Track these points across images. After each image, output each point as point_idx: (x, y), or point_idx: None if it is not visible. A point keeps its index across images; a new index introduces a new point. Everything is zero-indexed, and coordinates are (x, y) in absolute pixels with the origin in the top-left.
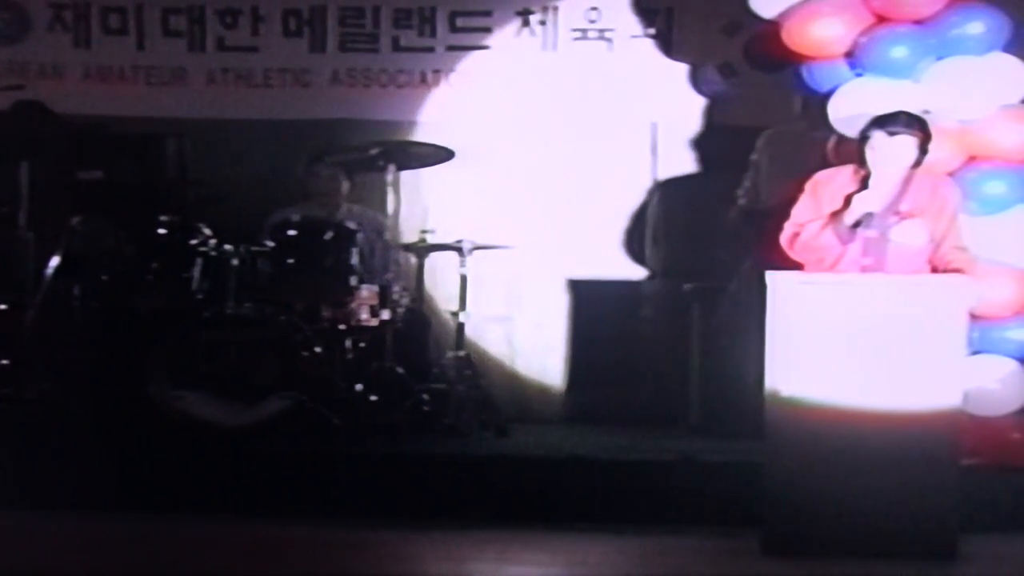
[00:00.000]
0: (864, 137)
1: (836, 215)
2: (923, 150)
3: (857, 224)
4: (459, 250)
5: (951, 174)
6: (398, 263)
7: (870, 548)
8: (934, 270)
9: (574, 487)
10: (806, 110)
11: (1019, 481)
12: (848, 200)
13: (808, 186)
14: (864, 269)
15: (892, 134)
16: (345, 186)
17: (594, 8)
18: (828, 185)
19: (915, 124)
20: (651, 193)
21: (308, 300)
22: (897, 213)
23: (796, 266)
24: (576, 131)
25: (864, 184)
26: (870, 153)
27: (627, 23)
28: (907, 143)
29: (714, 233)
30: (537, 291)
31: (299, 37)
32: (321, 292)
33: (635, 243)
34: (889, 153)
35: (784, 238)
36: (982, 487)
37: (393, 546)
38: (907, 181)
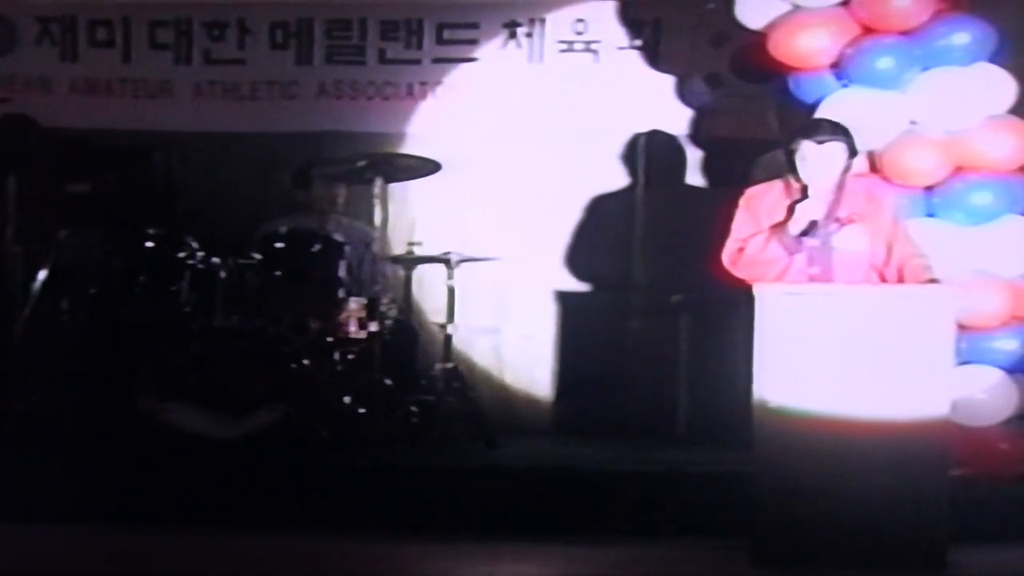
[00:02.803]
0: (791, 149)
1: (779, 227)
2: (851, 154)
3: (804, 233)
4: (447, 262)
5: (938, 185)
6: (386, 275)
7: (859, 558)
8: (884, 279)
9: (563, 498)
10: (782, 125)
11: (1008, 491)
12: (791, 210)
13: (742, 202)
14: (812, 279)
15: (821, 143)
16: (340, 197)
17: (580, 20)
18: (762, 200)
19: (840, 130)
20: (637, 204)
21: (296, 312)
22: (837, 220)
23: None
24: (563, 143)
25: (804, 194)
26: (801, 164)
27: (614, 35)
28: (837, 149)
29: (701, 244)
30: (525, 303)
31: (285, 49)
32: (309, 304)
33: (622, 254)
34: (821, 162)
35: (727, 255)
36: (971, 497)
37: (382, 558)
38: (841, 188)
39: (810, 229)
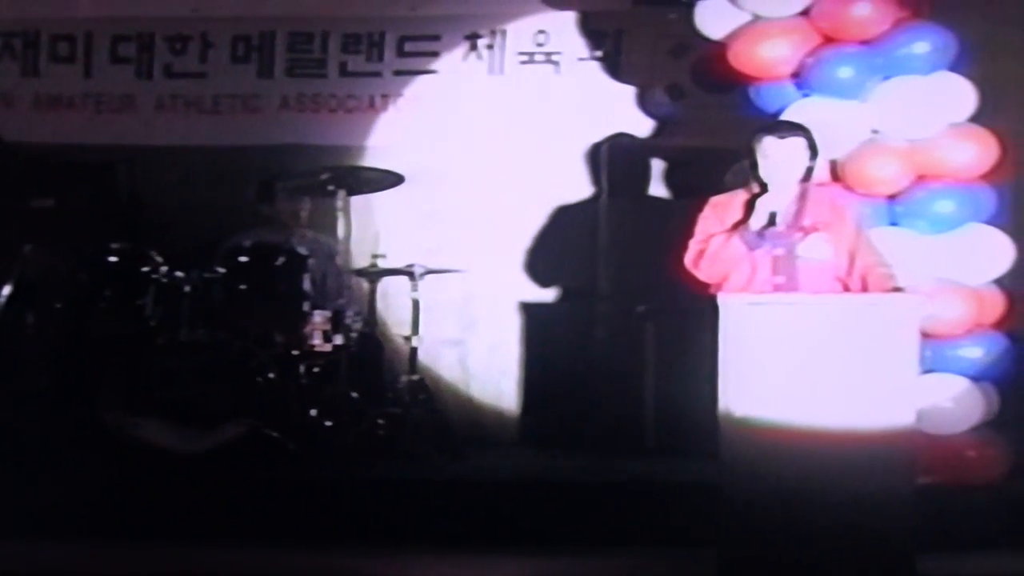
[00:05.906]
0: (752, 149)
1: (740, 224)
2: (812, 153)
3: (765, 227)
4: (411, 274)
5: (900, 193)
6: (350, 288)
7: (827, 568)
8: (847, 288)
9: (530, 510)
10: None
11: (975, 499)
12: (751, 205)
13: (707, 208)
14: (777, 288)
15: (782, 137)
16: (304, 210)
17: (541, 31)
18: (727, 207)
19: (800, 128)
20: (601, 215)
21: (261, 326)
22: (801, 229)
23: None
24: (525, 154)
25: (764, 193)
26: (763, 161)
27: (574, 46)
28: (798, 144)
29: (665, 254)
30: (490, 314)
31: (247, 63)
32: (274, 318)
33: (586, 265)
34: (782, 156)
35: (689, 256)
36: (938, 505)
37: (349, 570)
38: (804, 196)
39: (770, 234)
